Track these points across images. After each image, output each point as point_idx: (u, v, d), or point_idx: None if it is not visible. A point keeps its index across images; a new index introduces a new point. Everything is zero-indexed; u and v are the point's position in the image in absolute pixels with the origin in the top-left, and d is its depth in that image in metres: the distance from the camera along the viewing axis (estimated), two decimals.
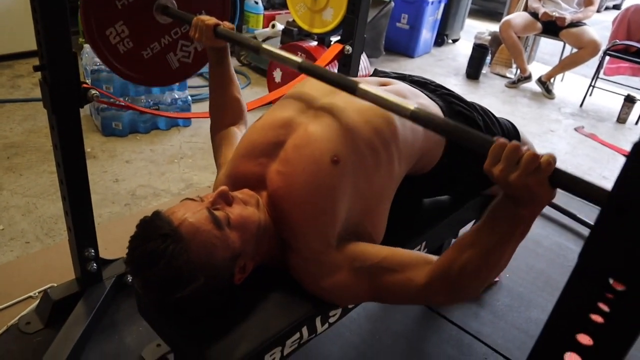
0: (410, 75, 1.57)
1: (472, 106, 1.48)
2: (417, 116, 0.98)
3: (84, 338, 1.55)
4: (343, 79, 1.12)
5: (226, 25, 1.40)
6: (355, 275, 1.08)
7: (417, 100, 1.34)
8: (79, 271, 1.65)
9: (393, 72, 1.62)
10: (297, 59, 1.22)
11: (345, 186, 1.09)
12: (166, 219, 0.98)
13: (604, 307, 0.50)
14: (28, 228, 2.12)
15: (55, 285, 1.74)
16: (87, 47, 2.98)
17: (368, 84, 1.08)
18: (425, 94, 1.41)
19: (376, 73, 1.69)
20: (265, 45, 1.32)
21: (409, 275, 1.05)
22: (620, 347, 0.48)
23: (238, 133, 1.44)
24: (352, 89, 1.08)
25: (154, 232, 0.96)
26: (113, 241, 1.96)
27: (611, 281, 0.48)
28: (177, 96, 3.02)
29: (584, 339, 0.52)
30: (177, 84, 3.01)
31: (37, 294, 1.77)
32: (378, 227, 1.20)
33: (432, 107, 1.37)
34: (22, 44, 3.63)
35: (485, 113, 1.50)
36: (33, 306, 1.70)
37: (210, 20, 1.39)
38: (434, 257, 1.06)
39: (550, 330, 0.54)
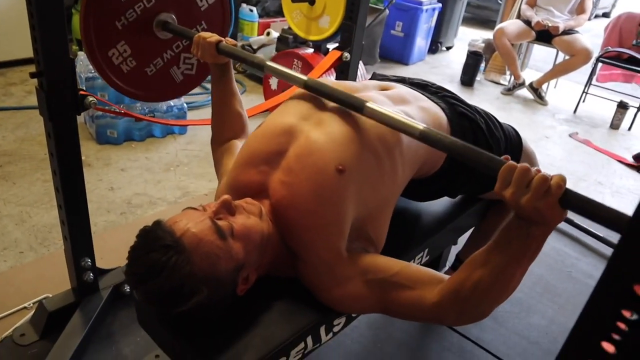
0: (410, 78, 1.55)
1: (474, 109, 1.47)
2: (426, 136, 1.01)
3: (80, 349, 1.52)
4: (350, 97, 1.13)
5: (229, 42, 1.39)
6: (366, 288, 1.07)
7: (418, 103, 1.33)
8: (75, 281, 1.62)
9: (392, 76, 1.61)
10: (303, 77, 1.22)
11: (350, 195, 1.08)
12: (168, 229, 0.95)
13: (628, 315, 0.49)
14: (22, 237, 2.08)
15: (50, 295, 1.71)
16: (81, 55, 2.96)
17: (374, 103, 1.10)
18: (427, 97, 1.40)
19: (375, 77, 1.68)
20: (270, 63, 1.32)
21: (420, 293, 1.04)
22: None
23: (240, 145, 1.43)
24: (360, 108, 1.09)
25: (155, 242, 0.93)
26: (109, 250, 1.94)
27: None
28: (172, 103, 2.99)
29: (609, 347, 0.50)
30: None
31: (31, 304, 1.73)
32: (380, 233, 1.19)
33: (434, 110, 1.36)
34: (14, 51, 3.60)
35: (488, 117, 1.49)
36: (28, 317, 1.66)
37: (212, 37, 1.38)
38: (445, 276, 1.06)
39: (574, 339, 0.53)
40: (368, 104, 1.08)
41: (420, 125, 1.01)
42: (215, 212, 1.01)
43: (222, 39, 1.38)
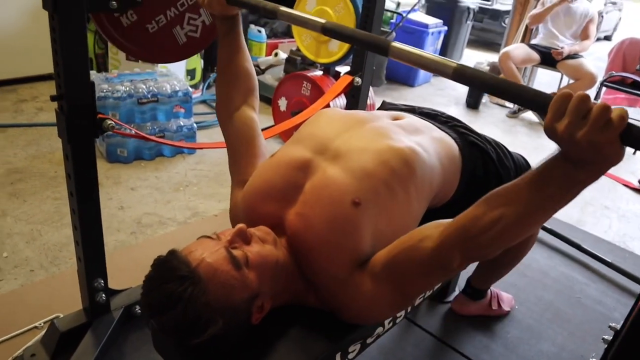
0: (419, 108, 1.57)
1: (485, 138, 1.49)
2: (460, 74, 0.89)
3: None
4: (373, 38, 1.07)
5: None
6: (378, 283, 1.06)
7: (430, 133, 1.34)
8: (87, 302, 1.62)
9: (402, 104, 1.62)
10: (320, 19, 1.16)
11: (366, 226, 1.08)
12: (183, 259, 0.96)
13: None
14: (32, 256, 2.09)
15: (61, 315, 1.71)
16: (92, 74, 2.99)
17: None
18: (437, 127, 1.42)
19: (384, 106, 1.69)
20: (283, 8, 1.22)
21: (419, 244, 1.00)
22: None
23: (253, 117, 1.37)
24: (384, 49, 1.02)
25: (171, 273, 0.94)
26: (119, 270, 1.93)
27: None
28: (182, 123, 3.02)
29: None
30: (183, 110, 3.03)
31: (42, 324, 1.73)
32: None
33: (446, 140, 1.37)
34: (25, 69, 3.66)
35: (498, 146, 1.50)
36: (38, 337, 1.66)
37: None
38: (446, 220, 1.00)
39: None
40: (393, 44, 1.01)
41: (453, 63, 0.92)
42: (230, 241, 1.02)
43: None
